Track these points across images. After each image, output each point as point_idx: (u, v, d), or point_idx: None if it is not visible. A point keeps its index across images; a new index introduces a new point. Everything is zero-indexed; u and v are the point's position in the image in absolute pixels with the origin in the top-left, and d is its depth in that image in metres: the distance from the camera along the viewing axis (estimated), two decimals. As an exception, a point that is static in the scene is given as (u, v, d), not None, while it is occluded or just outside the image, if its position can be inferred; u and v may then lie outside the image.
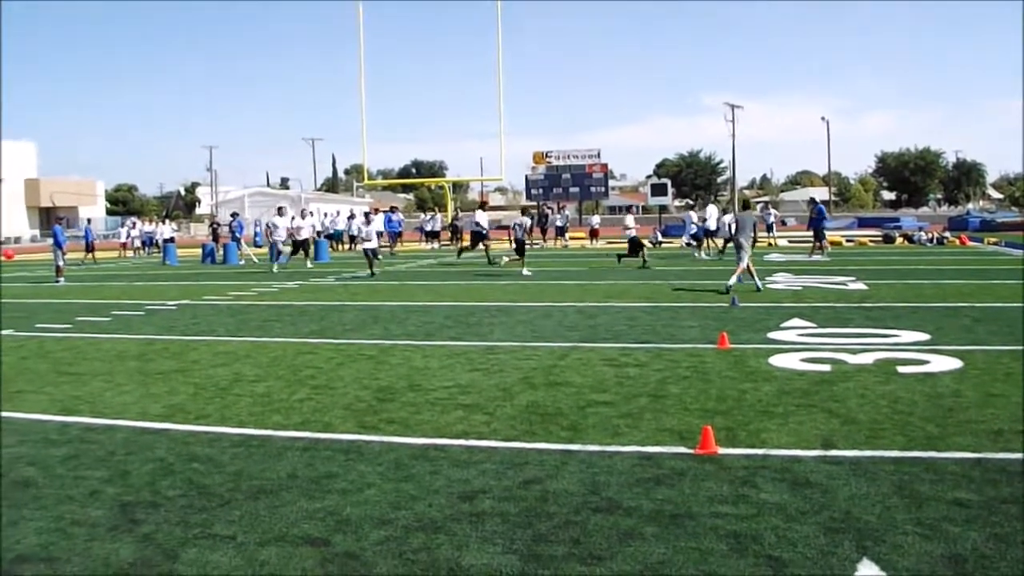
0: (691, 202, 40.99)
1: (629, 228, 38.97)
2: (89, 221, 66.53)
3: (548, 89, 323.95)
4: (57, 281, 35.90)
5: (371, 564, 6.22)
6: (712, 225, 45.14)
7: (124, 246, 64.78)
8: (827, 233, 46.76)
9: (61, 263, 37.33)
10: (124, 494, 8.01)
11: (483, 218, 42.90)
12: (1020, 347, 14.81)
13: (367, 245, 37.12)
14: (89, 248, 55.70)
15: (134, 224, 69.71)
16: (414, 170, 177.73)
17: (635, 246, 37.79)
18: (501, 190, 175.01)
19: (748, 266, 25.31)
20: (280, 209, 46.98)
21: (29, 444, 9.82)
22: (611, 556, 6.37)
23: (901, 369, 13.02)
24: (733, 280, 25.10)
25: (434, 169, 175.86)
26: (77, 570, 6.29)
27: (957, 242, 54.48)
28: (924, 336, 16.24)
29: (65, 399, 12.15)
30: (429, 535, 6.83)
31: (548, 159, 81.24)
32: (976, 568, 6.01)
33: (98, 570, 6.28)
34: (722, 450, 9.01)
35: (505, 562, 6.29)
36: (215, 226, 59.90)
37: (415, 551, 6.45)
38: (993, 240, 53.55)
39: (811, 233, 45.39)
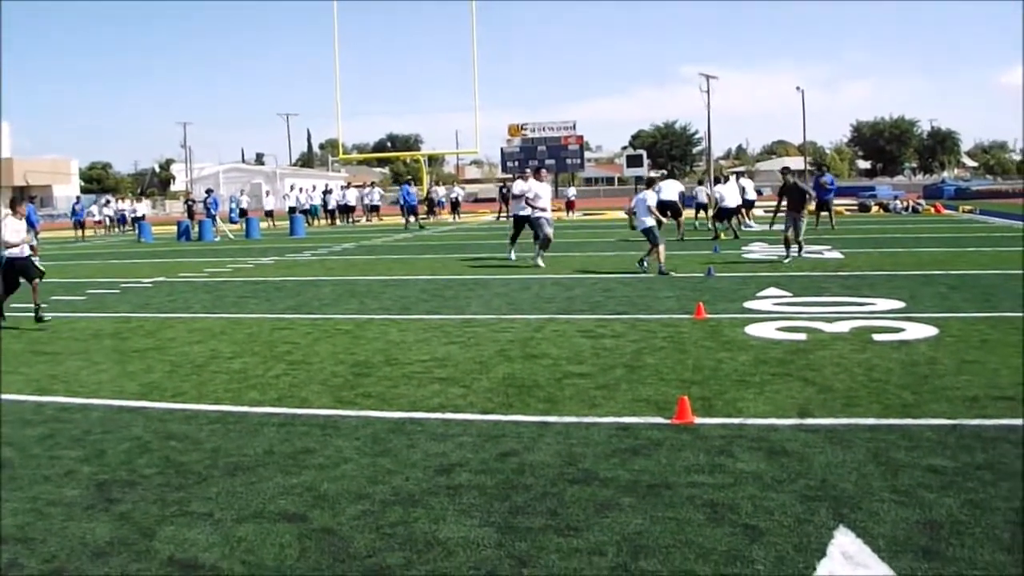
0: (665, 173, 40.95)
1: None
2: (78, 199, 66.15)
3: (523, 61, 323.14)
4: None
5: (348, 539, 6.21)
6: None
7: (98, 224, 64.48)
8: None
9: (34, 243, 37.08)
10: (100, 473, 7.97)
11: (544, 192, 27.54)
12: (995, 314, 14.89)
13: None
14: (80, 226, 55.70)
15: (107, 202, 69.37)
16: (389, 144, 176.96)
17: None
18: (477, 163, 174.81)
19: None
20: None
21: (4, 424, 9.75)
22: (588, 527, 6.37)
23: (877, 337, 13.07)
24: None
25: (409, 143, 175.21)
26: (54, 550, 6.25)
27: (932, 210, 54.67)
28: (899, 304, 16.31)
29: (40, 379, 12.08)
30: (406, 509, 6.82)
31: (524, 131, 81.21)
32: (951, 534, 6.03)
33: (75, 549, 6.24)
34: (698, 420, 9.03)
35: (482, 534, 6.29)
36: (190, 203, 59.62)
37: (392, 525, 6.45)
38: (968, 208, 53.77)
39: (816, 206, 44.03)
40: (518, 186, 28.56)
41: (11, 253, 16.76)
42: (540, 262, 25.30)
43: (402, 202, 55.80)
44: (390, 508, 6.83)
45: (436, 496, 7.09)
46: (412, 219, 54.63)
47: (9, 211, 17.14)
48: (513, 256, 27.68)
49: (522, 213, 26.72)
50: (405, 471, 7.74)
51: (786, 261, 24.71)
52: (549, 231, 25.70)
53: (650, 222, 23.45)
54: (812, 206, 28.22)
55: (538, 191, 26.15)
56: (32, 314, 17.08)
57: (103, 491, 7.48)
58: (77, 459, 8.39)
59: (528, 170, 35.26)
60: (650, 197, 23.79)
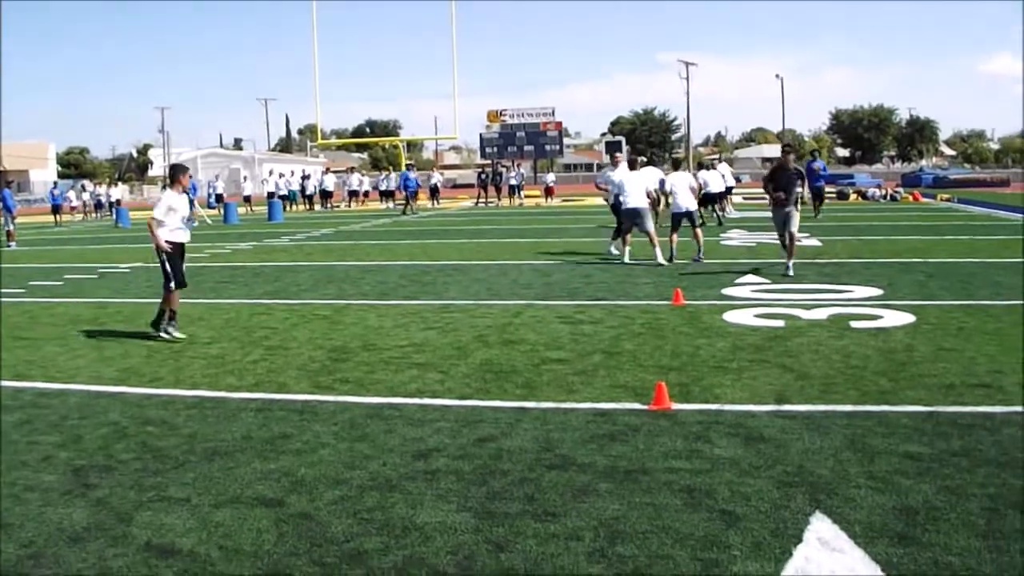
0: (645, 160, 41.19)
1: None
2: (56, 184, 65.86)
3: (503, 47, 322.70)
4: (9, 246, 35.53)
5: (326, 524, 6.21)
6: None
7: (76, 209, 64.19)
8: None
9: (11, 228, 36.91)
10: (77, 458, 7.95)
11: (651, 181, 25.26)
12: (972, 302, 14.94)
13: None
14: (57, 211, 55.48)
15: (84, 187, 69.04)
16: (368, 129, 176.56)
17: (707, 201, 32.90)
18: (456, 149, 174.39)
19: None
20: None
21: (-19, 410, 9.71)
22: (565, 513, 6.39)
23: (854, 324, 13.11)
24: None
25: (388, 128, 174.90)
26: (31, 535, 6.24)
27: (910, 198, 54.76)
28: (877, 291, 16.35)
29: (18, 364, 12.03)
30: (384, 494, 6.82)
31: (502, 117, 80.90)
32: (927, 520, 6.06)
33: (52, 535, 6.23)
34: (676, 405, 9.05)
35: (460, 520, 6.30)
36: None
37: (369, 510, 6.45)
38: (946, 196, 53.85)
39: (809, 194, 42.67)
40: (617, 174, 25.19)
41: None
42: (615, 249, 24.10)
43: (403, 187, 55.46)
44: (367, 493, 6.83)
45: (413, 481, 7.10)
46: (413, 204, 54.38)
47: None
48: (615, 251, 24.54)
49: (631, 205, 23.04)
50: (382, 456, 7.74)
51: (791, 273, 19.10)
52: (650, 225, 23.92)
53: (690, 205, 22.99)
54: (806, 195, 21.34)
55: (635, 180, 24.24)
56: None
57: (80, 476, 7.47)
58: (54, 444, 8.38)
59: (619, 155, 34.20)
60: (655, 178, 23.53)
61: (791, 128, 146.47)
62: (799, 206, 20.09)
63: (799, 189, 19.92)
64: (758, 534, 5.93)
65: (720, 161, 31.45)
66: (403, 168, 60.98)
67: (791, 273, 19.02)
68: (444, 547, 5.84)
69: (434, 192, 66.04)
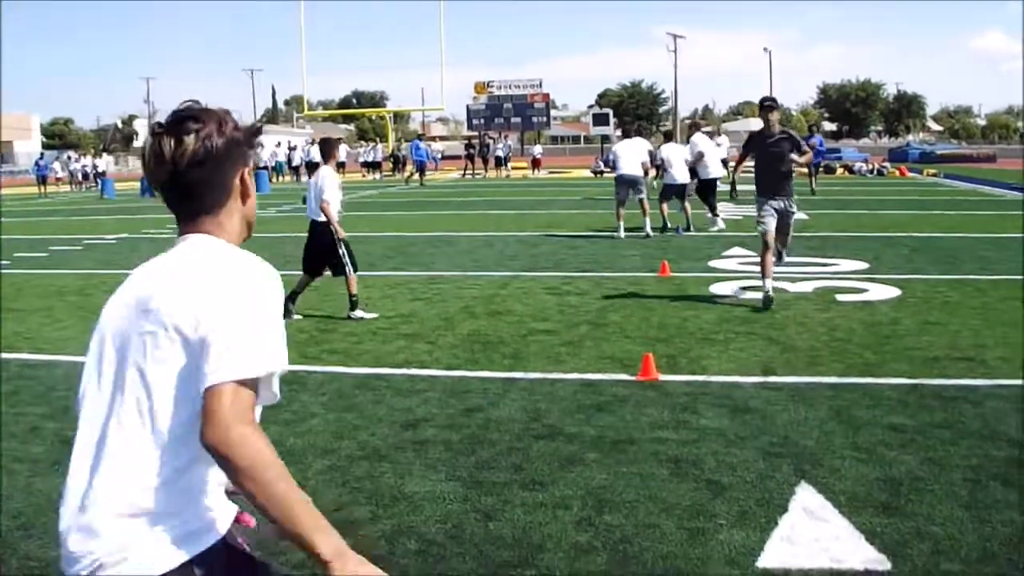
0: (635, 132, 40.78)
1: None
2: (41, 156, 65.46)
3: (490, 18, 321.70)
4: (-7, 216, 35.34)
5: (315, 493, 6.19)
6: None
7: (61, 180, 63.91)
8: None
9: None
10: (65, 429, 7.88)
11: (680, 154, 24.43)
12: (957, 276, 15.02)
13: None
14: (42, 182, 55.27)
15: (70, 158, 68.68)
16: (355, 100, 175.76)
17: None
18: (443, 120, 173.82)
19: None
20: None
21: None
22: (553, 482, 6.44)
23: (840, 297, 13.18)
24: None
25: (375, 99, 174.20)
26: (20, 506, 6.25)
27: (897, 173, 54.79)
28: (863, 265, 16.41)
29: (4, 335, 11.98)
30: (372, 463, 6.86)
31: (489, 89, 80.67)
32: (910, 490, 6.13)
33: (41, 506, 6.22)
34: (663, 377, 9.11)
35: (448, 489, 6.34)
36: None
37: (358, 479, 6.48)
38: (932, 172, 53.88)
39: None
40: (702, 143, 24.72)
41: None
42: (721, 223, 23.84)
43: (414, 157, 55.03)
44: (356, 463, 6.87)
45: (402, 451, 7.14)
46: (419, 175, 53.81)
47: None
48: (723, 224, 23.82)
49: (627, 172, 22.26)
50: (371, 426, 7.78)
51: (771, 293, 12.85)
52: (644, 193, 22.55)
53: (684, 178, 23.10)
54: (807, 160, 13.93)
55: (630, 149, 22.93)
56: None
57: (68, 447, 7.43)
58: (42, 416, 8.37)
59: (702, 122, 32.93)
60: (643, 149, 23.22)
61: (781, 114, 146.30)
62: (791, 190, 13.36)
63: (795, 160, 13.24)
64: (744, 503, 5.99)
65: (719, 134, 30.68)
66: (416, 138, 60.61)
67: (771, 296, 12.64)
68: (433, 516, 5.89)
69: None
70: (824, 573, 5.04)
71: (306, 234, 13.09)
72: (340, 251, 12.67)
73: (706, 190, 23.98)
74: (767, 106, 13.71)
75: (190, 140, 2.70)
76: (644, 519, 5.77)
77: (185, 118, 2.74)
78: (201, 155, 2.72)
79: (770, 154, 13.32)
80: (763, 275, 12.88)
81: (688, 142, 26.21)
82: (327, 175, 12.82)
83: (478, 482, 6.47)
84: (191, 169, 2.72)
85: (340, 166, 45.95)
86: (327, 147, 13.39)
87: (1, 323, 12.76)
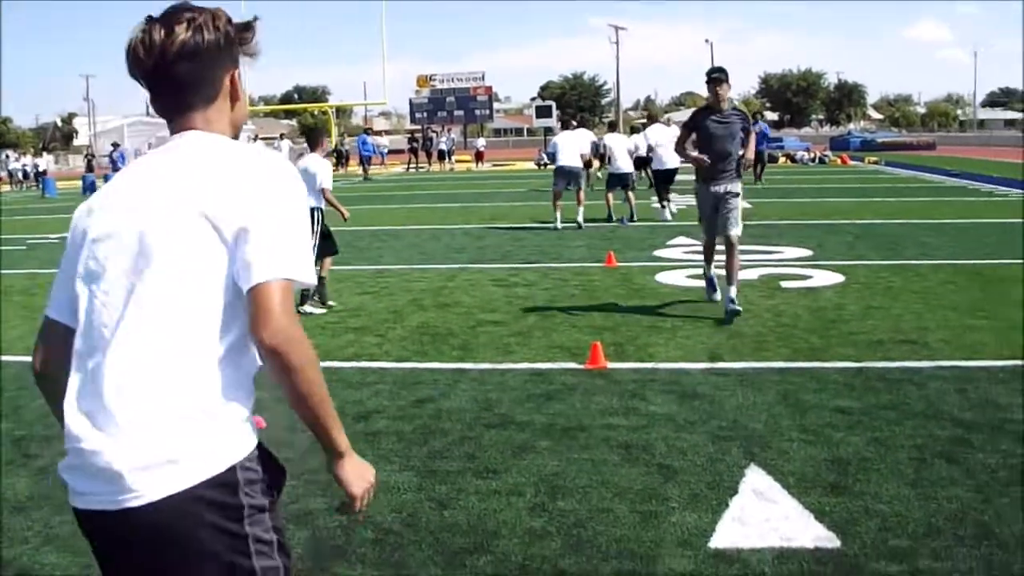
0: (575, 124, 40.63)
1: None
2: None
3: (431, 11, 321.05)
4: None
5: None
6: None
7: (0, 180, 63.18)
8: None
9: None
10: (17, 429, 7.86)
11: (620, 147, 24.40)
12: (899, 261, 15.22)
13: None
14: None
15: (8, 157, 67.91)
16: (296, 96, 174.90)
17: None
18: (385, 114, 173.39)
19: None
20: None
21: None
22: (506, 469, 6.49)
23: (784, 284, 13.32)
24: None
25: (316, 94, 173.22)
26: (-30, 506, 6.22)
27: (838, 161, 55.35)
28: (807, 252, 16.60)
29: (-53, 335, 11.87)
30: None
31: (432, 82, 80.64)
32: (858, 470, 6.24)
33: (-8, 504, 6.22)
34: (611, 364, 9.18)
35: (403, 479, 6.38)
36: (89, 157, 58.42)
37: (313, 472, 6.47)
38: (873, 160, 54.44)
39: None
40: (657, 133, 24.89)
41: None
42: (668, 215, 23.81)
43: (361, 152, 54.64)
44: (311, 455, 6.83)
45: (355, 443, 6.97)
46: (363, 169, 53.44)
47: None
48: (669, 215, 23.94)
49: (566, 163, 22.26)
50: (323, 419, 7.77)
51: (736, 308, 11.09)
52: (582, 183, 22.94)
53: (627, 168, 23.47)
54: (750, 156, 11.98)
55: (570, 140, 23.07)
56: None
57: (20, 447, 7.40)
58: (-9, 415, 8.28)
59: (666, 116, 32.69)
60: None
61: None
62: (740, 179, 11.75)
63: (742, 151, 11.62)
64: (695, 486, 6.07)
65: (670, 124, 30.58)
66: (362, 132, 60.38)
67: (737, 308, 11.05)
68: (388, 505, 5.92)
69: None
70: (775, 552, 5.12)
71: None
72: (314, 240, 12.30)
73: (660, 179, 24.10)
74: (715, 78, 11.53)
75: (180, 30, 2.68)
76: (597, 504, 5.84)
77: (179, 9, 2.72)
78: (191, 47, 2.69)
79: (718, 136, 11.44)
80: (706, 261, 12.15)
81: (632, 134, 26.36)
82: (318, 163, 12.75)
83: (431, 471, 6.51)
84: (180, 61, 2.69)
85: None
86: (314, 135, 13.47)
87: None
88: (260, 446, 2.73)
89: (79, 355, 2.65)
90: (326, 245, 12.64)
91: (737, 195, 11.45)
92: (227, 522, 2.55)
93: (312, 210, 12.21)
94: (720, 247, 11.56)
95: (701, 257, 12.72)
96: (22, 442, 7.53)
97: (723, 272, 11.49)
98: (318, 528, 5.58)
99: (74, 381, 2.63)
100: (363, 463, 2.89)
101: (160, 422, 2.50)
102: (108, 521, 2.54)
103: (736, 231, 11.32)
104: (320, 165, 12.69)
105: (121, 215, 2.70)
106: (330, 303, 12.77)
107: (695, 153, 11.56)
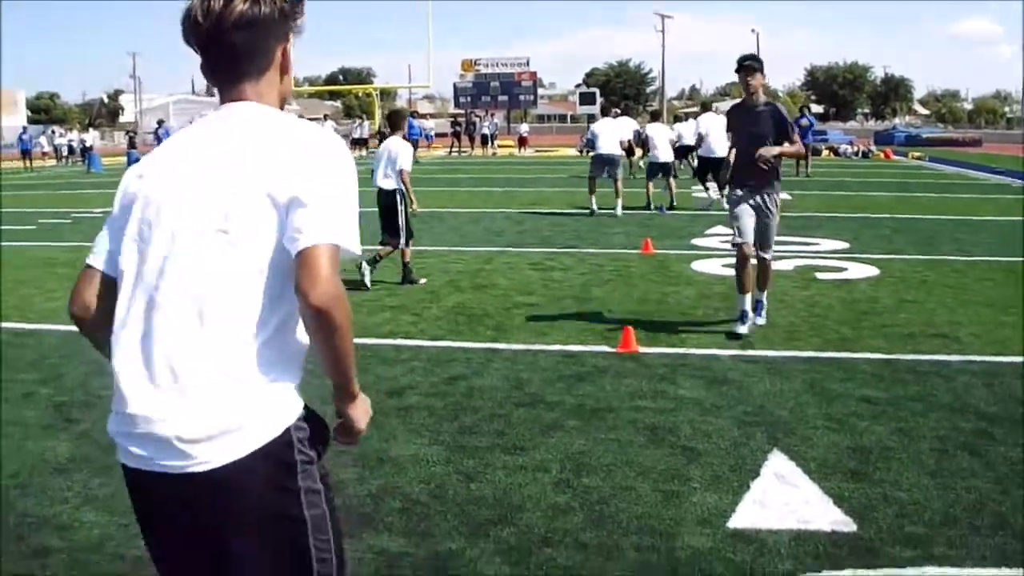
0: (618, 112, 39.86)
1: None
2: (24, 129, 65.01)
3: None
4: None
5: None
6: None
7: (45, 155, 63.64)
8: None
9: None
10: (58, 395, 8.04)
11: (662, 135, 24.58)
12: (936, 256, 15.24)
13: None
14: (26, 156, 54.99)
15: (54, 132, 68.42)
16: (341, 77, 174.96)
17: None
18: (429, 98, 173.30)
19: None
20: None
21: (-41, 348, 9.73)
22: (534, 447, 6.63)
23: (819, 276, 13.38)
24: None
25: (361, 76, 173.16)
26: (17, 467, 6.39)
27: (882, 156, 55.03)
28: (843, 244, 16.62)
29: (-6, 305, 12.08)
30: (359, 428, 7.03)
31: (476, 67, 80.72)
32: (879, 458, 6.33)
33: (37, 466, 6.39)
34: (643, 349, 9.30)
35: (432, 452, 6.53)
36: (131, 134, 58.81)
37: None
38: (917, 155, 54.09)
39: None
40: (706, 122, 24.20)
41: None
42: (713, 194, 23.45)
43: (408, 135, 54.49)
44: (343, 427, 7.02)
45: (387, 417, 7.30)
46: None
47: None
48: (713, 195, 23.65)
49: (605, 151, 22.48)
50: (357, 393, 7.92)
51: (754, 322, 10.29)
52: (619, 173, 22.77)
53: (668, 157, 23.64)
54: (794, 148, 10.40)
55: (610, 128, 23.35)
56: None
57: (62, 412, 7.59)
58: (35, 381, 8.49)
59: (715, 106, 32.68)
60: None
61: (765, 83, 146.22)
62: (778, 186, 10.27)
63: (785, 147, 10.04)
64: (718, 469, 6.19)
65: (719, 112, 30.21)
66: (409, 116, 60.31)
67: (760, 321, 10.32)
68: (417, 477, 6.08)
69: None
70: (792, 533, 5.22)
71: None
72: (402, 221, 13.16)
73: (707, 167, 24.07)
74: (746, 66, 10.15)
75: (239, 1, 2.78)
76: (620, 482, 5.97)
77: None
78: (248, 17, 2.79)
79: (748, 132, 10.16)
80: (740, 290, 10.11)
81: (675, 123, 26.33)
82: (401, 146, 13.24)
83: (460, 446, 6.66)
84: (236, 31, 2.79)
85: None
86: (396, 119, 13.99)
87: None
88: (305, 405, 2.87)
89: (131, 317, 2.76)
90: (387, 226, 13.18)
91: (775, 210, 10.17)
92: (282, 479, 2.72)
93: (393, 191, 12.99)
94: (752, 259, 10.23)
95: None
96: (63, 407, 7.72)
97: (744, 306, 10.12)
98: (348, 497, 5.72)
99: (126, 343, 2.74)
100: (365, 398, 3.01)
101: (223, 390, 2.64)
102: (167, 483, 2.67)
103: (771, 253, 10.41)
104: (402, 147, 13.17)
105: (177, 181, 2.82)
106: (421, 280, 13.28)
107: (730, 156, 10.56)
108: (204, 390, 2.63)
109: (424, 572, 4.84)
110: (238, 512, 2.69)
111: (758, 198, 10.01)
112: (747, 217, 10.01)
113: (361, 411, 2.98)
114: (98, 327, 2.88)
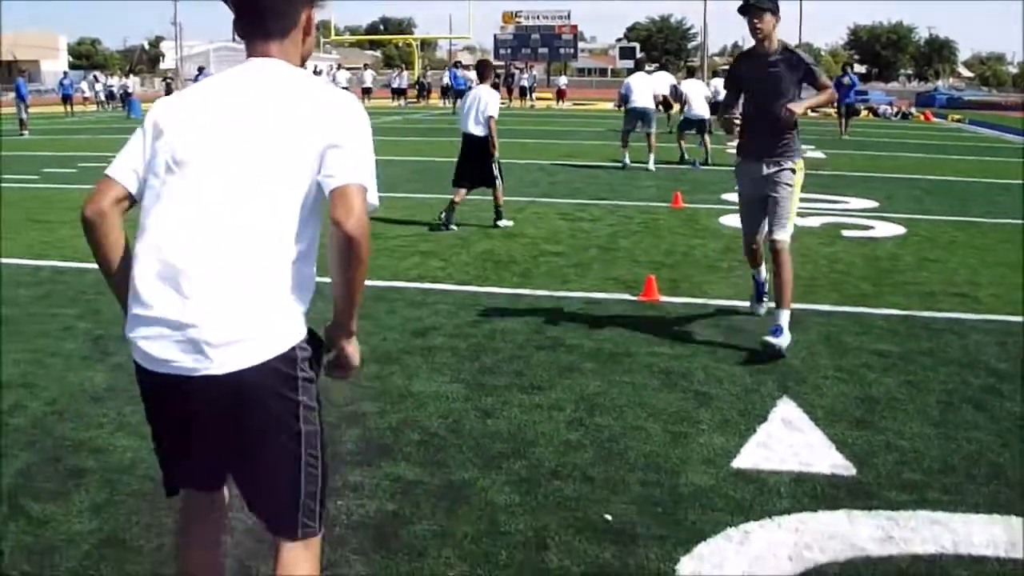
0: (655, 67, 38.79)
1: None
2: (65, 75, 65.30)
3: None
4: (21, 134, 35.51)
5: (325, 388, 6.55)
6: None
7: (87, 100, 63.96)
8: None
9: (24, 116, 36.74)
10: (96, 329, 8.32)
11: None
12: (965, 218, 15.30)
13: None
14: (68, 101, 55.31)
15: (96, 78, 68.72)
16: (382, 27, 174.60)
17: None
18: (469, 49, 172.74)
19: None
20: None
21: (4, 286, 10.03)
22: (551, 387, 6.86)
23: (845, 233, 13.49)
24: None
25: (402, 26, 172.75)
26: (55, 395, 6.67)
27: (921, 118, 54.68)
28: (873, 203, 16.68)
29: (34, 245, 12.35)
30: (382, 365, 7.28)
31: (517, 19, 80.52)
32: (886, 408, 6.51)
33: (74, 394, 6.68)
34: (664, 298, 9.51)
35: (452, 389, 6.78)
36: (168, 80, 59.01)
37: (369, 379, 6.88)
38: (957, 117, 53.67)
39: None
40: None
41: None
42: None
43: (454, 85, 54.37)
44: (367, 364, 7.19)
45: (411, 355, 7.55)
46: (453, 102, 53.19)
47: None
48: None
49: (638, 105, 22.41)
50: (383, 332, 8.19)
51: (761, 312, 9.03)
52: (652, 128, 23.08)
53: (703, 113, 23.88)
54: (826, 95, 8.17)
55: (643, 82, 23.17)
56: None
57: (99, 345, 7.86)
58: (74, 316, 8.78)
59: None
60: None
61: (807, 42, 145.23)
62: (797, 153, 8.21)
63: (817, 97, 8.29)
64: (727, 413, 6.39)
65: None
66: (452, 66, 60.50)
67: (776, 343, 7.64)
68: (436, 412, 6.33)
69: (446, 90, 65.78)
70: (792, 475, 5.42)
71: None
72: (492, 165, 13.66)
73: None
74: (752, 5, 7.90)
75: None
76: (632, 422, 6.18)
77: None
78: None
79: (759, 90, 8.10)
80: (752, 265, 8.99)
81: (713, 78, 26.34)
82: (490, 94, 13.85)
83: (480, 384, 6.89)
84: None
85: (367, 92, 44.91)
86: (484, 69, 14.52)
87: (31, 233, 13.13)
88: (310, 330, 3.20)
89: (162, 230, 3.04)
90: (480, 173, 13.87)
91: (791, 180, 8.10)
92: (287, 391, 3.05)
93: (484, 138, 13.54)
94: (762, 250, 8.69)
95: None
96: (100, 340, 7.99)
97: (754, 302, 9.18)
98: (368, 428, 5.98)
99: (156, 252, 3.03)
100: (357, 345, 3.38)
101: (246, 304, 2.96)
102: (186, 386, 2.98)
103: (784, 234, 8.13)
104: (490, 95, 13.74)
105: (213, 119, 3.10)
106: (508, 222, 13.89)
107: (731, 115, 8.26)
108: (230, 301, 2.94)
109: (437, 499, 5.07)
110: (249, 414, 3.02)
111: (770, 167, 8.05)
112: (752, 195, 8.38)
113: (355, 348, 3.33)
114: (106, 235, 3.20)
